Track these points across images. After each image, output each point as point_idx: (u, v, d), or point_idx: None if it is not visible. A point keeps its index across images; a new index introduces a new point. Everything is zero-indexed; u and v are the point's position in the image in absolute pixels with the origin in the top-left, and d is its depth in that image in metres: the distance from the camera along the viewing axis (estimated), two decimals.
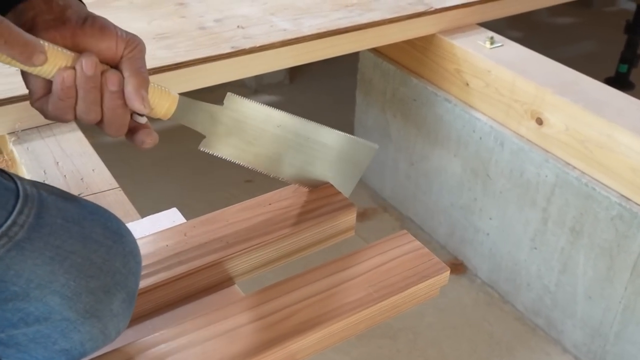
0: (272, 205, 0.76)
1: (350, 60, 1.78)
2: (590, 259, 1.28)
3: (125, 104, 0.56)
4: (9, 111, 1.06)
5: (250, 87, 2.33)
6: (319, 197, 0.77)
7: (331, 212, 0.75)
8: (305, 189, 0.78)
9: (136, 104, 0.56)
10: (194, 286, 0.69)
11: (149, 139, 0.60)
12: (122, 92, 0.56)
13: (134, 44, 0.57)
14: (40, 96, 0.56)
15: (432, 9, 1.45)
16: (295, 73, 2.42)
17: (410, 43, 1.56)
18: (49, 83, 0.55)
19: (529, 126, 1.35)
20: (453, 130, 1.51)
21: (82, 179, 0.99)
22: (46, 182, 0.98)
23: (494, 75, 1.39)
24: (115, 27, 0.57)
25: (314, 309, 0.64)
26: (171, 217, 0.82)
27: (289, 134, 0.73)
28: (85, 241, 0.53)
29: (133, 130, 0.60)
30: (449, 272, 0.70)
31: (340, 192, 0.78)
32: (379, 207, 1.82)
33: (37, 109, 0.57)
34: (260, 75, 2.31)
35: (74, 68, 0.54)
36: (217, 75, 1.24)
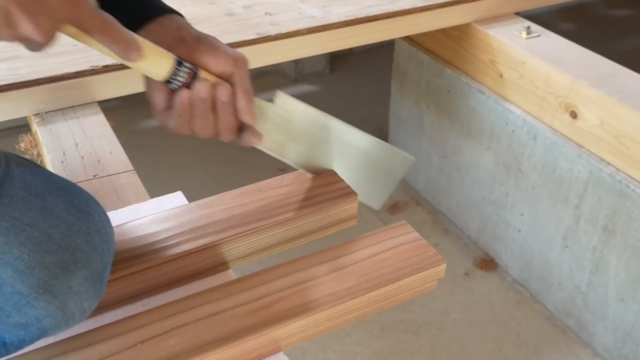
0: (272, 191, 0.75)
1: (392, 50, 1.76)
2: (622, 260, 1.23)
3: (234, 114, 0.62)
4: (35, 92, 1.08)
5: (290, 76, 2.33)
6: (321, 184, 0.76)
7: (331, 199, 0.74)
8: (308, 176, 0.77)
9: (246, 117, 0.63)
10: (188, 268, 0.69)
11: (254, 138, 0.66)
12: (232, 102, 0.61)
13: (242, 62, 0.63)
14: (162, 109, 0.62)
15: None
16: (336, 63, 2.40)
17: (445, 32, 1.52)
18: (169, 98, 0.61)
19: (563, 120, 1.30)
20: (486, 122, 1.47)
21: (98, 160, 1.00)
22: (64, 162, 1.00)
23: (528, 67, 1.34)
24: (225, 46, 0.63)
25: (300, 296, 0.62)
26: (175, 201, 0.82)
27: (332, 137, 0.74)
28: (45, 215, 0.52)
29: (239, 131, 0.65)
30: (444, 264, 0.67)
31: (342, 180, 0.76)
32: (411, 200, 1.79)
33: (160, 120, 0.63)
34: (301, 64, 2.31)
35: (188, 88, 0.60)
36: None
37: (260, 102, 0.68)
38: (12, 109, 1.09)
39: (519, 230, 1.47)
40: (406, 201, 1.79)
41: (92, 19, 0.52)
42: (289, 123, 0.72)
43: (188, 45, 0.61)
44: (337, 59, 2.40)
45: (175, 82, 0.60)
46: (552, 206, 1.36)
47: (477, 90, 1.47)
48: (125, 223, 0.70)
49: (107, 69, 1.12)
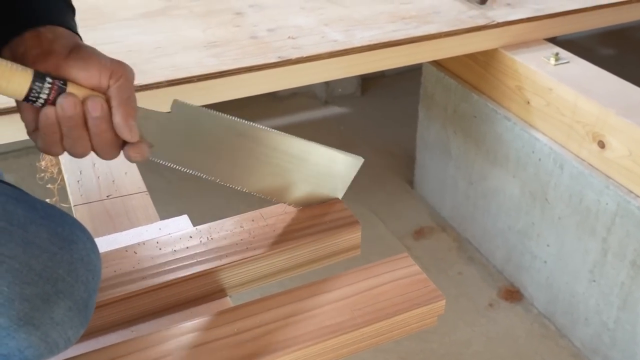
0: (274, 217, 0.74)
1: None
2: None
3: (111, 128, 0.57)
4: None
5: (320, 98, 2.33)
6: (324, 212, 0.75)
7: (333, 228, 0.73)
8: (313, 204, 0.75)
9: (125, 133, 0.57)
10: (184, 295, 0.69)
11: (134, 154, 0.59)
12: (106, 118, 0.56)
13: (120, 72, 0.57)
14: (33, 129, 0.57)
15: (494, 23, 1.39)
16: (367, 85, 2.39)
17: (472, 57, 1.50)
18: (36, 118, 0.56)
19: (591, 149, 1.26)
20: (512, 150, 1.44)
21: (113, 181, 1.01)
22: (80, 182, 1.01)
23: (555, 94, 1.31)
24: (101, 56, 0.57)
25: (291, 329, 0.61)
26: (180, 224, 0.82)
27: (253, 144, 0.67)
28: (26, 246, 0.51)
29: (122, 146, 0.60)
30: (444, 301, 0.65)
31: (347, 209, 0.75)
32: (437, 226, 1.76)
33: (32, 139, 0.58)
34: (332, 86, 2.31)
35: (54, 105, 0.54)
36: (262, 84, 1.24)
37: (151, 113, 0.61)
38: (19, 131, 1.11)
39: (545, 262, 1.43)
40: (431, 227, 1.76)
41: None
42: (195, 133, 0.64)
43: (57, 58, 0.56)
44: (368, 82, 2.39)
45: (38, 99, 0.54)
46: (579, 238, 1.32)
47: (503, 116, 1.44)
48: (125, 246, 0.70)
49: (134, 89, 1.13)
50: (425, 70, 1.69)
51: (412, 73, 2.19)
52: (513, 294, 1.54)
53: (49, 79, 0.55)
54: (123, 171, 1.03)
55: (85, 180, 1.01)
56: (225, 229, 0.73)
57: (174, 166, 0.65)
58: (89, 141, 0.57)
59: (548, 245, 1.41)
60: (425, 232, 1.74)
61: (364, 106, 2.30)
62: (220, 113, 0.65)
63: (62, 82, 0.55)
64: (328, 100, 2.32)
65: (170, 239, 0.72)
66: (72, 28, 0.62)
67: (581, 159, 1.28)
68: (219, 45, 1.28)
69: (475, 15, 1.41)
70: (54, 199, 1.09)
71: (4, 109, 1.06)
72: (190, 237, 0.72)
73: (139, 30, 1.34)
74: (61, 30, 0.59)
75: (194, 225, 0.79)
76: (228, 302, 0.71)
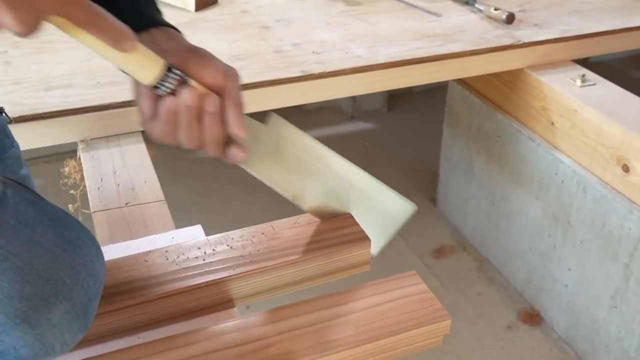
0: (285, 230, 0.74)
1: None
2: None
3: (221, 126, 0.60)
4: (83, 120, 1.13)
5: (346, 113, 2.33)
6: (335, 227, 0.75)
7: (343, 243, 0.73)
8: (319, 219, 0.76)
9: (237, 130, 0.61)
10: (191, 304, 0.69)
11: (240, 153, 0.63)
12: (218, 115, 0.60)
13: (233, 75, 0.61)
14: (149, 117, 0.61)
15: (520, 43, 1.38)
16: (394, 101, 2.39)
17: (497, 77, 1.49)
18: (156, 106, 0.59)
19: (615, 173, 1.24)
20: (535, 171, 1.42)
21: (132, 189, 1.03)
22: (100, 189, 1.03)
23: (580, 116, 1.29)
24: (216, 59, 0.62)
25: (293, 342, 0.61)
26: (192, 234, 0.83)
27: (327, 170, 0.71)
28: (31, 245, 0.53)
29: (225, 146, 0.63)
30: (449, 321, 0.65)
31: (357, 224, 0.75)
32: (458, 245, 1.75)
33: (146, 129, 0.62)
34: (358, 102, 2.31)
35: (174, 96, 0.58)
36: (284, 98, 1.25)
37: (251, 121, 0.65)
38: (61, 135, 1.13)
39: (566, 285, 1.41)
40: (452, 246, 1.74)
41: (79, 12, 0.51)
42: (281, 148, 0.68)
43: (179, 55, 0.59)
44: (395, 98, 2.39)
45: (163, 87, 0.58)
46: (601, 263, 1.29)
47: (527, 137, 1.42)
48: (136, 254, 0.71)
49: None
50: (450, 88, 1.69)
51: (440, 90, 2.19)
52: (533, 317, 1.52)
53: (176, 71, 0.58)
54: (143, 180, 1.05)
55: (105, 187, 1.03)
56: (235, 240, 0.73)
57: (255, 176, 0.69)
58: (200, 134, 0.60)
59: (569, 269, 1.38)
60: (446, 251, 1.73)
61: (389, 122, 2.30)
62: (306, 134, 0.69)
63: (185, 76, 0.58)
64: (354, 115, 2.32)
65: (180, 248, 0.73)
66: (178, 30, 0.65)
67: (605, 183, 1.26)
68: (243, 58, 1.29)
69: (501, 35, 1.41)
70: (76, 205, 1.11)
71: (37, 114, 1.09)
72: (199, 247, 0.73)
73: None
74: (172, 31, 0.64)
75: (207, 235, 0.80)
76: (235, 312, 0.71)
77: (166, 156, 2.08)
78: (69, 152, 1.19)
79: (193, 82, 0.59)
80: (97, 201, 1.00)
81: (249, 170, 0.68)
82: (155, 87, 0.58)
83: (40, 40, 1.33)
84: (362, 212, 0.74)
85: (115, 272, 0.68)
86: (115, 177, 1.05)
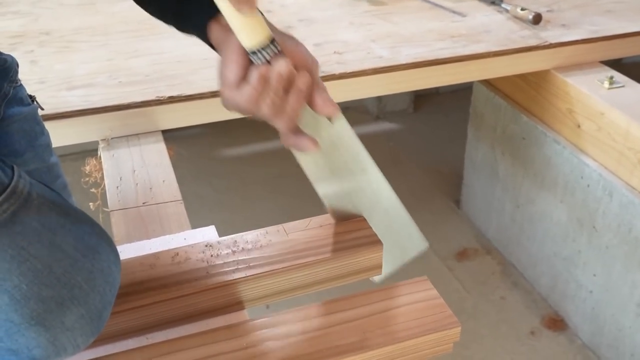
0: (297, 233, 0.74)
1: None
2: None
3: (303, 104, 0.62)
4: (104, 119, 1.14)
5: (372, 113, 2.32)
6: (347, 230, 0.74)
7: (354, 247, 0.72)
8: (332, 222, 0.75)
9: (328, 109, 0.63)
10: (201, 305, 0.69)
11: (310, 143, 0.64)
12: (305, 91, 0.61)
13: (316, 63, 0.64)
14: (233, 83, 0.60)
15: (546, 44, 1.35)
16: (420, 102, 2.37)
17: (523, 78, 1.47)
18: (244, 73, 0.60)
19: None
20: (560, 174, 1.39)
21: (151, 188, 1.03)
22: (119, 187, 1.04)
23: (607, 119, 1.26)
24: (304, 45, 0.64)
25: (300, 346, 0.61)
26: (206, 234, 0.83)
27: (366, 185, 0.72)
28: (51, 248, 0.53)
29: (297, 133, 0.64)
30: (459, 328, 0.63)
31: (369, 227, 0.74)
32: (481, 248, 1.72)
33: (224, 96, 0.62)
34: (384, 102, 2.30)
35: (270, 64, 0.59)
36: None
37: (320, 117, 0.66)
38: (83, 133, 1.15)
39: (591, 291, 1.38)
40: (476, 249, 1.72)
41: None
42: (335, 148, 0.69)
43: (276, 33, 0.61)
44: (421, 98, 2.37)
45: (261, 56, 0.59)
46: (627, 269, 1.26)
47: (552, 139, 1.40)
48: (148, 254, 0.71)
49: (172, 99, 1.16)
50: (475, 89, 1.67)
51: (466, 91, 2.16)
52: (557, 323, 1.49)
53: (276, 44, 0.59)
54: (161, 179, 1.05)
55: (124, 186, 1.04)
56: (246, 242, 0.73)
57: (299, 161, 0.69)
58: (283, 105, 0.61)
59: (594, 275, 1.35)
60: (469, 254, 1.71)
61: (415, 123, 2.28)
62: (362, 145, 0.70)
63: (281, 51, 0.60)
64: (379, 115, 2.31)
65: (191, 249, 0.72)
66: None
67: (632, 187, 1.23)
68: None
69: (527, 36, 1.38)
70: (96, 203, 1.12)
71: (59, 113, 1.11)
72: (210, 249, 0.73)
73: (188, 42, 1.36)
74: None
75: (221, 236, 0.80)
76: (245, 315, 0.71)
77: (191, 154, 2.09)
78: (95, 149, 1.21)
79: (286, 59, 0.60)
80: (115, 200, 1.01)
81: (297, 157, 0.68)
82: (254, 53, 0.59)
83: (66, 40, 1.35)
84: (382, 233, 0.74)
85: (126, 272, 0.68)
86: (134, 176, 1.06)
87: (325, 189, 0.71)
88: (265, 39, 0.58)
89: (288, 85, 0.60)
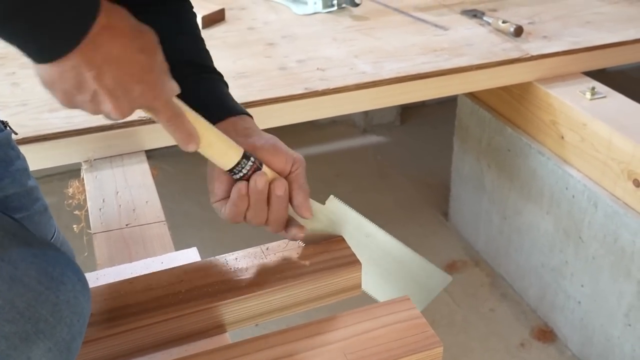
0: (276, 254, 0.74)
1: None
2: None
3: (286, 207, 0.67)
4: (86, 140, 1.13)
5: (359, 127, 2.32)
6: (325, 250, 0.74)
7: (333, 267, 0.72)
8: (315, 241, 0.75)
9: (303, 212, 0.68)
10: (182, 329, 0.69)
11: (299, 233, 0.70)
12: (284, 197, 0.66)
13: (299, 162, 0.68)
14: (220, 199, 0.67)
15: (528, 56, 1.36)
16: (407, 114, 2.38)
17: (507, 90, 1.47)
18: (229, 189, 0.66)
19: (626, 188, 1.21)
20: (546, 185, 1.40)
21: (134, 209, 1.03)
22: (102, 210, 1.03)
23: (589, 129, 1.27)
24: (283, 145, 0.69)
25: None
26: (188, 257, 0.82)
27: (373, 246, 0.76)
28: (12, 283, 0.52)
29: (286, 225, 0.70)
30: (441, 348, 0.63)
31: (348, 247, 0.74)
32: (470, 260, 1.72)
33: (215, 208, 0.69)
34: (370, 115, 2.30)
35: (248, 181, 0.65)
36: (289, 115, 1.24)
37: (312, 203, 0.70)
38: (65, 155, 1.14)
39: (579, 302, 1.38)
40: (464, 261, 1.72)
41: (164, 110, 0.58)
42: (337, 225, 0.74)
43: (254, 143, 0.66)
44: (408, 111, 2.38)
45: (240, 173, 0.64)
46: (614, 279, 1.26)
47: (537, 151, 1.40)
48: (124, 279, 0.71)
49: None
50: (460, 102, 1.67)
51: (453, 103, 2.17)
52: (546, 334, 1.49)
53: (252, 158, 0.65)
54: (144, 200, 1.05)
55: (107, 208, 1.03)
56: (226, 264, 0.73)
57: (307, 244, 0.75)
58: (266, 214, 0.67)
59: (582, 286, 1.36)
60: (458, 266, 1.70)
61: (402, 135, 2.29)
62: (358, 214, 0.75)
63: (260, 162, 0.66)
64: (367, 128, 2.31)
65: (170, 273, 0.72)
66: (247, 113, 0.73)
67: (616, 198, 1.23)
68: (248, 75, 1.29)
69: (509, 48, 1.39)
70: (80, 225, 1.11)
71: (41, 135, 1.10)
72: (190, 271, 0.72)
73: None
74: (248, 119, 0.72)
75: (203, 258, 0.80)
76: (226, 338, 0.70)
77: (178, 172, 2.08)
78: (76, 170, 1.20)
79: (264, 167, 0.66)
80: (98, 222, 1.01)
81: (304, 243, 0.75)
82: (231, 172, 0.65)
83: None
84: (404, 284, 0.78)
85: (103, 298, 0.68)
86: (117, 198, 1.05)
87: None
88: (237, 158, 0.64)
89: (267, 196, 0.65)
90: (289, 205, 0.68)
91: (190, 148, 0.61)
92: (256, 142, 0.67)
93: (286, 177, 0.67)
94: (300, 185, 0.67)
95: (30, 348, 0.52)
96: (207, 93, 0.72)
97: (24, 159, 0.82)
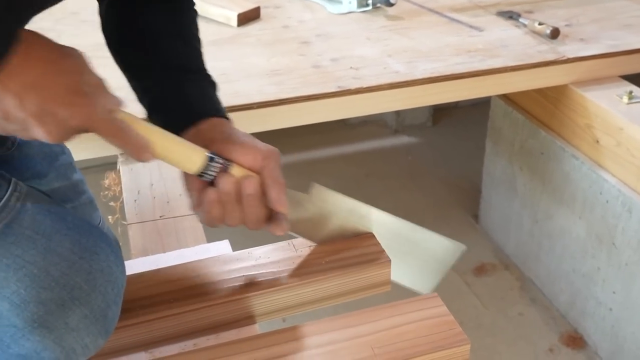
0: (305, 249, 0.74)
1: None
2: None
3: (260, 204, 0.64)
4: None
5: (390, 127, 2.32)
6: (354, 246, 0.74)
7: (362, 263, 0.72)
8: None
9: (278, 207, 0.65)
10: (210, 319, 0.70)
11: (279, 230, 0.66)
12: (257, 195, 0.64)
13: (271, 155, 0.65)
14: (197, 205, 0.65)
15: (564, 58, 1.35)
16: (440, 115, 2.37)
17: (541, 93, 1.46)
18: (202, 195, 0.64)
19: None
20: (579, 189, 1.38)
21: (168, 202, 1.05)
22: (137, 201, 1.05)
23: (626, 134, 1.25)
24: (255, 141, 0.67)
25: None
26: (220, 248, 0.84)
27: (373, 226, 0.74)
28: (47, 253, 0.56)
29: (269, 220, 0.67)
30: (469, 345, 0.63)
31: (377, 243, 0.74)
32: (499, 264, 1.71)
33: (195, 213, 0.66)
34: (402, 115, 2.30)
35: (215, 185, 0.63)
36: (321, 113, 1.25)
37: (294, 193, 0.69)
38: (100, 148, 1.16)
39: (611, 309, 1.36)
40: (494, 264, 1.71)
41: (103, 127, 0.55)
42: (326, 213, 0.73)
43: (222, 144, 0.65)
44: (441, 112, 2.36)
45: (207, 175, 0.63)
46: None
47: (571, 154, 1.39)
48: (157, 269, 0.72)
49: None
50: (493, 104, 1.66)
51: (486, 105, 2.15)
52: (576, 340, 1.47)
53: (218, 159, 0.63)
54: (178, 193, 1.06)
55: (142, 200, 1.05)
56: (257, 257, 0.74)
57: (296, 234, 0.73)
58: (241, 214, 0.64)
59: (614, 292, 1.34)
60: (487, 269, 1.69)
61: (434, 136, 2.28)
62: (347, 197, 0.72)
63: (227, 161, 0.64)
64: (398, 129, 2.31)
65: (203, 264, 0.73)
66: (224, 114, 0.71)
67: None
68: (282, 73, 1.31)
69: (545, 50, 1.38)
70: (115, 216, 1.14)
71: None
72: (222, 263, 0.74)
73: (208, 57, 1.37)
74: (217, 120, 0.69)
75: (234, 250, 0.81)
76: (255, 329, 0.72)
77: None
78: (113, 163, 1.23)
79: (235, 167, 0.64)
80: (132, 213, 1.03)
81: (298, 235, 0.73)
82: (200, 176, 0.63)
83: (94, 55, 1.38)
84: (412, 259, 0.76)
85: (137, 286, 0.69)
86: (152, 190, 1.08)
87: None
88: (200, 162, 0.62)
89: (239, 196, 0.63)
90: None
91: (144, 159, 0.59)
92: (226, 142, 0.65)
93: (260, 174, 0.65)
94: (274, 180, 0.64)
95: (66, 314, 0.55)
96: (183, 95, 0.70)
97: (69, 154, 0.85)
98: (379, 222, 0.75)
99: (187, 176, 0.65)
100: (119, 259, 0.61)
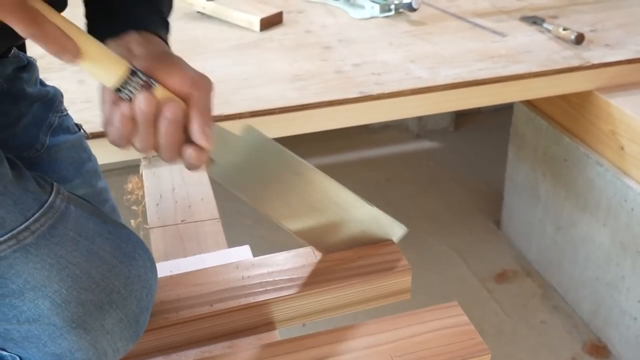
0: (324, 256, 0.74)
1: None
2: None
3: (178, 132, 0.57)
4: None
5: (412, 132, 2.31)
6: (376, 253, 0.74)
7: (383, 271, 0.72)
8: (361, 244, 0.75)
9: (200, 139, 0.57)
10: (231, 325, 0.70)
11: (194, 160, 0.58)
12: (177, 121, 0.56)
13: (201, 84, 0.58)
14: (105, 122, 0.59)
15: (589, 64, 1.33)
16: (462, 121, 2.36)
17: (565, 99, 1.44)
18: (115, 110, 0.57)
19: None
20: (603, 196, 1.36)
21: (189, 206, 1.05)
22: (159, 205, 1.06)
23: None
24: (185, 66, 0.59)
25: None
26: (240, 254, 0.84)
27: (306, 186, 0.68)
28: (89, 256, 0.57)
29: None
30: (489, 356, 0.63)
31: (399, 251, 0.74)
32: (521, 270, 1.69)
33: (105, 131, 0.59)
34: (424, 120, 2.29)
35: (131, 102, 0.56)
36: (343, 118, 1.25)
37: (222, 131, 0.61)
38: (125, 152, 1.18)
39: (635, 319, 1.34)
40: (515, 271, 1.69)
41: (14, 14, 0.48)
42: (257, 161, 0.65)
43: (148, 61, 0.58)
44: (463, 117, 2.35)
45: (126, 91, 0.56)
46: None
47: (595, 161, 1.37)
48: (179, 274, 0.73)
49: (216, 118, 1.19)
50: (516, 110, 1.65)
51: (508, 110, 2.13)
52: (599, 350, 1.45)
53: (141, 76, 0.56)
54: (200, 197, 1.07)
55: (164, 204, 1.06)
56: (277, 263, 0.74)
57: (228, 187, 0.66)
58: (155, 139, 0.57)
59: (639, 301, 1.32)
60: (509, 276, 1.68)
61: (456, 141, 2.27)
62: (284, 148, 0.66)
63: (151, 80, 0.56)
64: (420, 134, 2.30)
65: (223, 269, 0.74)
66: (159, 32, 0.64)
67: None
68: (304, 78, 1.31)
69: (569, 56, 1.36)
70: (137, 220, 1.15)
71: (102, 132, 1.14)
72: (242, 269, 0.74)
73: (231, 61, 1.40)
74: (152, 36, 0.62)
75: (255, 256, 0.81)
76: (275, 335, 0.72)
77: None
78: (138, 165, 1.24)
79: (159, 88, 0.57)
80: (154, 217, 1.04)
81: (220, 181, 0.65)
82: (118, 90, 0.56)
83: None
84: (347, 232, 0.72)
85: (159, 290, 0.70)
86: (174, 194, 1.08)
87: (269, 210, 0.68)
88: (120, 74, 0.55)
89: (154, 118, 0.56)
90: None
91: (66, 58, 0.52)
92: (151, 60, 0.58)
93: (186, 101, 0.57)
94: (200, 109, 0.57)
95: (104, 316, 0.56)
96: (116, 3, 0.64)
97: (95, 161, 0.86)
98: (317, 184, 0.68)
99: (105, 90, 0.58)
100: (153, 266, 0.62)
